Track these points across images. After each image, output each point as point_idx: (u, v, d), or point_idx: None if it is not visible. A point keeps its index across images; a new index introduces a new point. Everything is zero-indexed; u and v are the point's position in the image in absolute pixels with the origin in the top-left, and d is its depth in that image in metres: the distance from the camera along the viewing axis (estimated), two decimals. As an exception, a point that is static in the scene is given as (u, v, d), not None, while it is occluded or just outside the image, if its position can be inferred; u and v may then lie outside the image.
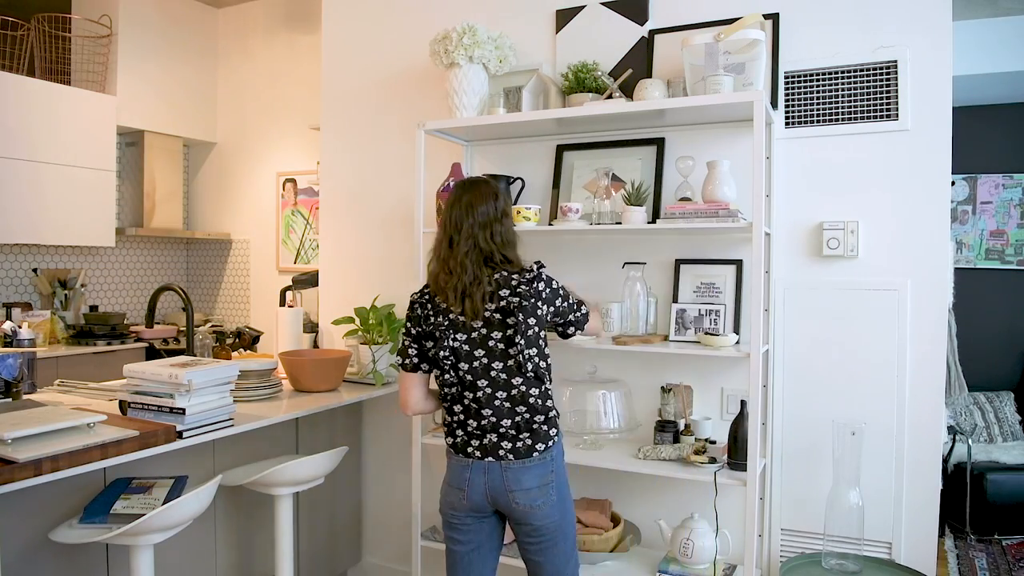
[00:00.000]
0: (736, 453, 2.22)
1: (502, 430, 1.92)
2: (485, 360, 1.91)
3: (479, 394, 1.92)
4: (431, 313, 1.98)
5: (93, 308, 4.57)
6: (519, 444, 1.91)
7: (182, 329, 4.73)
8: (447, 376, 1.97)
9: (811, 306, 2.44)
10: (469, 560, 2.01)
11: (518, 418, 1.92)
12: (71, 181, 4.17)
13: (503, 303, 1.90)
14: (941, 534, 3.74)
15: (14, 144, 3.90)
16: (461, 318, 1.92)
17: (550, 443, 1.95)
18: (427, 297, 2.00)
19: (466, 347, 1.92)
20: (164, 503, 1.93)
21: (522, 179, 2.79)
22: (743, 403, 2.23)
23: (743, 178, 2.36)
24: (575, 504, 2.56)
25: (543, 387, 1.95)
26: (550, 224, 2.62)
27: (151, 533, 1.88)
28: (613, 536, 2.44)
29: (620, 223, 2.44)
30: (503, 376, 1.91)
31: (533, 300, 1.92)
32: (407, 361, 2.04)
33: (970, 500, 3.77)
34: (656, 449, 2.35)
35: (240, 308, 5.17)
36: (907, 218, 2.33)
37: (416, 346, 2.02)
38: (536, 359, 1.93)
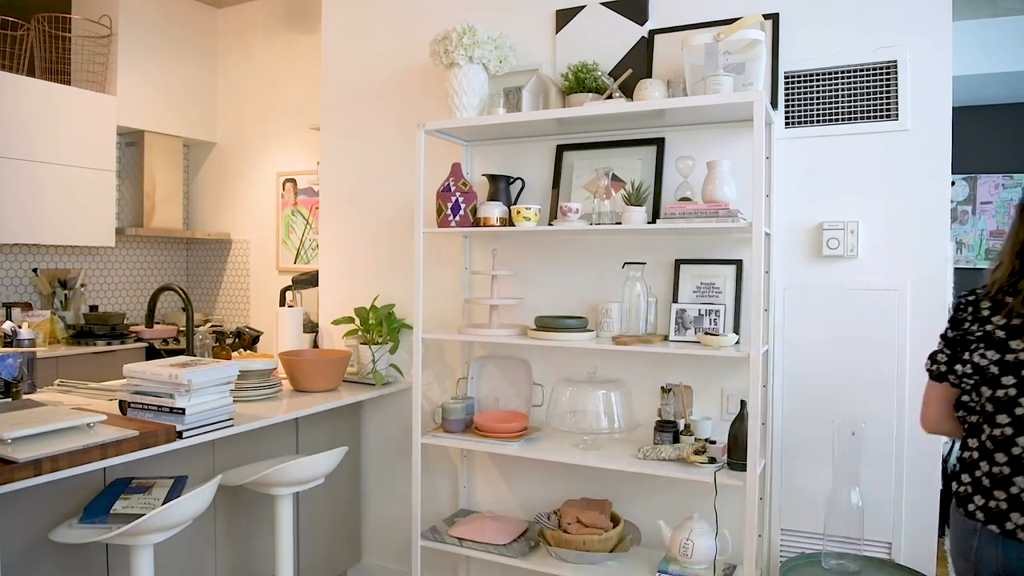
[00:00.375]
0: (736, 453, 2.22)
1: (1014, 491, 1.44)
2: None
3: (996, 432, 1.50)
4: (968, 318, 1.60)
5: (93, 308, 4.57)
6: None
7: (182, 329, 4.73)
8: (990, 403, 1.53)
9: (811, 306, 2.44)
10: None
11: None
12: (71, 181, 4.17)
13: None
14: (941, 534, 3.74)
15: (14, 144, 3.90)
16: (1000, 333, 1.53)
17: None
18: (971, 299, 1.62)
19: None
20: (164, 503, 1.93)
21: (522, 179, 2.79)
22: (743, 403, 2.23)
23: (743, 178, 2.36)
24: (574, 504, 2.57)
25: None
26: (550, 224, 2.62)
27: (151, 533, 1.88)
28: (613, 536, 2.44)
29: (620, 223, 2.44)
30: None
31: None
32: (934, 367, 1.65)
33: (970, 500, 3.77)
34: (656, 449, 2.35)
35: (240, 308, 5.17)
36: (907, 218, 2.33)
37: (948, 351, 1.63)
38: None
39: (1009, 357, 1.49)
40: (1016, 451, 1.46)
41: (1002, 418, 1.49)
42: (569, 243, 2.78)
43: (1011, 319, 1.51)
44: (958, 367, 1.61)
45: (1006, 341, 1.50)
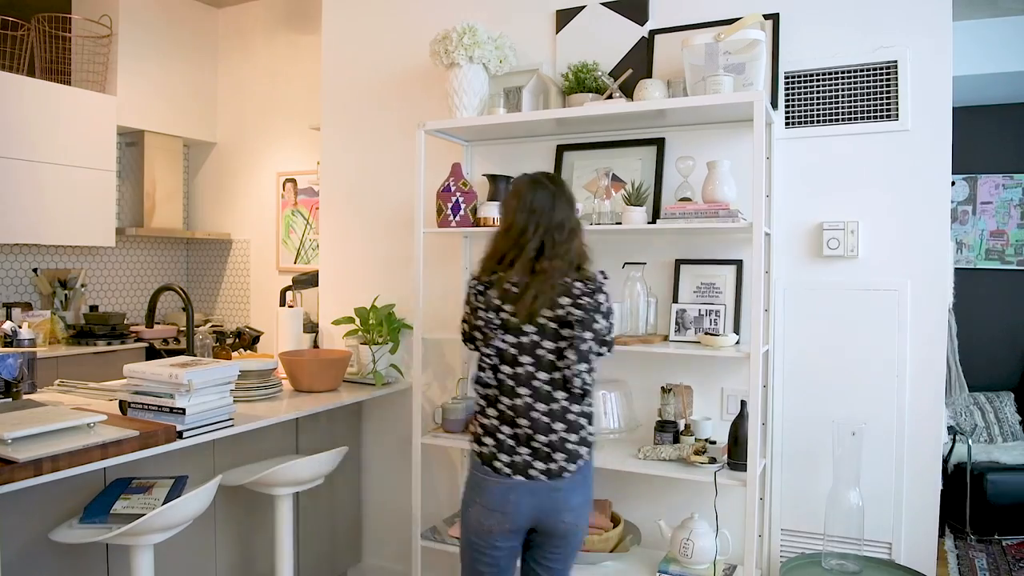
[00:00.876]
0: (736, 453, 2.22)
1: (535, 446, 1.83)
2: (531, 368, 1.84)
3: (517, 402, 1.84)
4: (480, 306, 1.90)
5: (93, 308, 4.57)
6: (552, 465, 1.83)
7: (182, 329, 4.73)
8: (486, 375, 1.89)
9: (811, 306, 2.45)
10: None
11: (553, 436, 1.83)
12: (71, 181, 4.17)
13: (561, 311, 1.83)
14: (941, 534, 3.74)
15: (14, 144, 3.90)
16: (513, 319, 1.84)
17: (580, 463, 1.86)
18: (482, 288, 1.91)
19: (513, 350, 1.85)
20: (164, 503, 1.93)
21: (522, 179, 2.79)
22: (743, 403, 2.23)
23: (743, 178, 2.36)
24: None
25: (583, 404, 1.88)
26: (550, 224, 2.62)
27: (151, 533, 1.88)
28: (613, 536, 2.44)
29: (620, 223, 2.44)
30: (546, 388, 1.84)
31: (592, 313, 1.84)
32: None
33: (970, 500, 3.77)
34: (656, 449, 2.35)
35: (240, 308, 5.17)
36: (907, 218, 2.33)
37: (467, 324, 1.98)
38: (584, 375, 1.85)
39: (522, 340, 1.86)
40: (533, 415, 1.83)
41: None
42: (569, 243, 2.78)
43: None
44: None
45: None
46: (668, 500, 2.60)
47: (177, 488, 2.05)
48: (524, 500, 1.83)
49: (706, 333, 2.37)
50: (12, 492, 1.67)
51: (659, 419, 2.48)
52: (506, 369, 1.86)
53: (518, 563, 1.98)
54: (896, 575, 2.24)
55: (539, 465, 1.83)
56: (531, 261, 1.84)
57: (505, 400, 1.86)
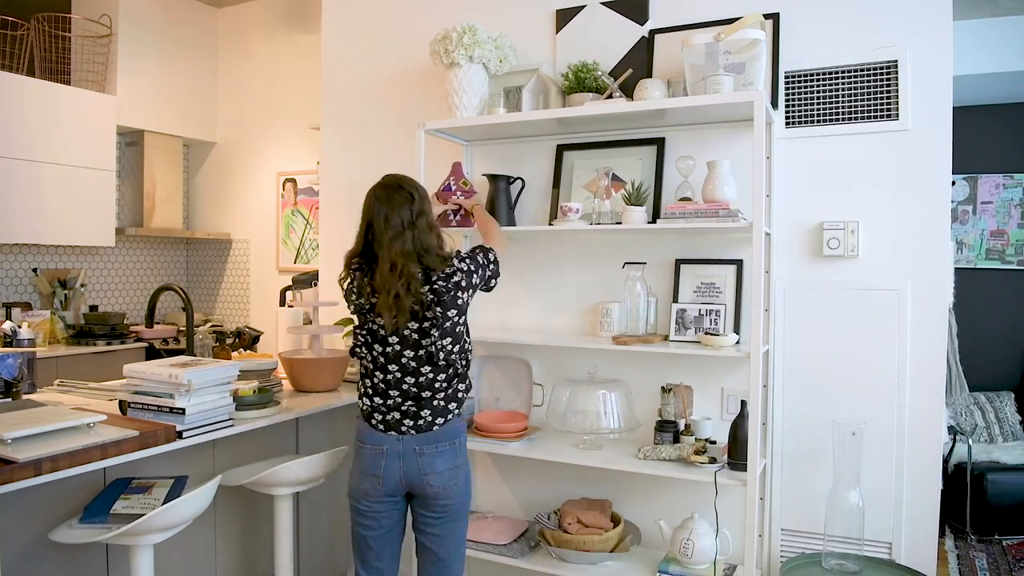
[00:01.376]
0: (736, 453, 2.22)
1: (405, 408, 2.04)
2: (398, 347, 2.04)
3: (388, 376, 2.05)
4: (354, 295, 2.09)
5: (93, 308, 4.57)
6: (420, 421, 2.04)
7: (182, 329, 4.73)
8: (361, 351, 2.10)
9: (811, 306, 2.44)
10: (381, 544, 2.11)
11: (422, 400, 2.04)
12: (71, 181, 4.17)
13: (422, 297, 2.00)
14: (941, 534, 3.74)
15: (14, 144, 3.90)
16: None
17: (449, 416, 2.07)
18: (350, 281, 2.10)
19: (382, 332, 2.04)
20: (164, 503, 1.93)
21: (522, 179, 2.79)
22: (743, 403, 2.23)
23: (743, 178, 2.36)
24: (575, 504, 2.57)
25: (449, 372, 2.07)
26: (550, 224, 2.62)
27: (151, 533, 1.88)
28: (613, 536, 2.44)
29: (620, 223, 2.44)
30: (413, 364, 2.04)
31: (452, 292, 2.03)
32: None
33: (970, 500, 3.77)
34: (656, 449, 2.35)
35: (240, 308, 5.17)
36: (907, 218, 2.33)
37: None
38: (448, 348, 2.04)
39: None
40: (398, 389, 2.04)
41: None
42: (569, 243, 2.78)
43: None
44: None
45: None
46: (668, 500, 2.60)
47: (177, 488, 2.04)
48: (392, 464, 2.03)
49: (706, 333, 2.37)
50: (12, 492, 1.67)
51: (659, 419, 2.48)
52: (377, 348, 2.06)
53: (402, 532, 2.16)
54: (896, 575, 2.24)
55: (408, 423, 2.04)
56: (373, 254, 2.02)
57: (379, 374, 2.07)
